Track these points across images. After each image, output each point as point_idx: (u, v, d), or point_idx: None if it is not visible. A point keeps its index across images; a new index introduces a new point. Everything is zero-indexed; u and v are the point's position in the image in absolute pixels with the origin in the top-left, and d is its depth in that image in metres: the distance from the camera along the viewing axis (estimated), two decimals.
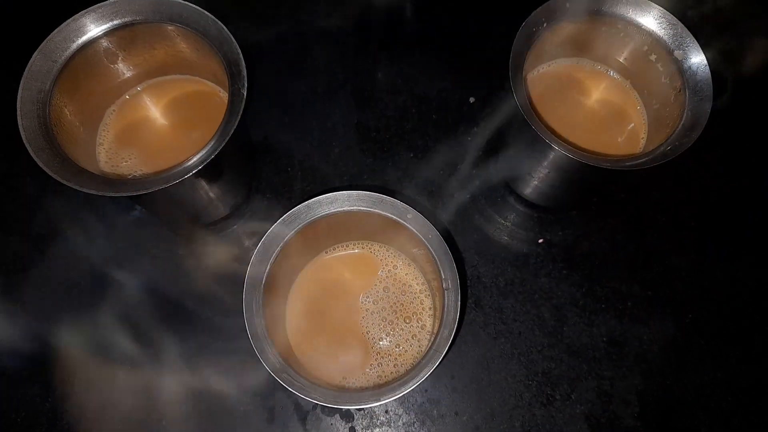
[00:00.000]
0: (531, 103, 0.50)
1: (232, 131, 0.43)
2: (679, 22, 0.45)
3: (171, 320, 0.52)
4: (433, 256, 0.42)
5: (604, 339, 0.53)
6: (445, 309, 0.41)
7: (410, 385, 0.38)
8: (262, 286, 0.41)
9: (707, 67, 0.44)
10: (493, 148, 0.58)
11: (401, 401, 0.50)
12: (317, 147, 0.58)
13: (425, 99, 0.60)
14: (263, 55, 0.61)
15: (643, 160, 0.43)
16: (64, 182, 0.40)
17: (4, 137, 0.58)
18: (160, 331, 0.52)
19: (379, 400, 0.38)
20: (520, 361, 0.52)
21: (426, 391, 0.51)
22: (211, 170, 0.45)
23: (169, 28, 0.46)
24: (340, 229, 0.47)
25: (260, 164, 0.57)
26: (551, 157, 0.47)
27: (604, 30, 0.48)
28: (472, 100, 0.60)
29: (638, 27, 0.46)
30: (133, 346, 0.51)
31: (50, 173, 0.40)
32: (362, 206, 0.43)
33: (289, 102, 0.60)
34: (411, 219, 0.43)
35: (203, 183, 0.48)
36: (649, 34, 0.46)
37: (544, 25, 0.46)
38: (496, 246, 0.55)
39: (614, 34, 0.48)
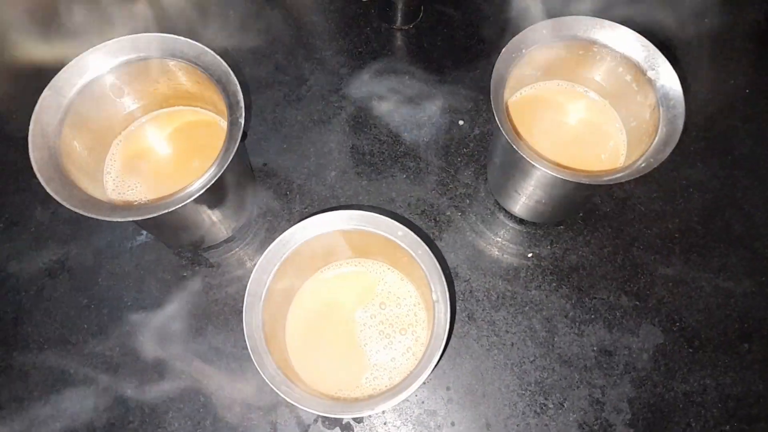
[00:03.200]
0: (514, 125, 0.53)
1: (231, 158, 0.45)
2: (651, 44, 0.48)
3: (175, 338, 0.54)
4: (424, 271, 0.44)
5: (595, 348, 0.54)
6: (435, 321, 0.43)
7: (404, 394, 0.40)
8: (262, 303, 0.44)
9: (679, 85, 0.47)
10: (482, 167, 0.61)
11: (399, 413, 0.52)
12: (314, 171, 0.61)
13: (416, 123, 0.63)
14: (262, 87, 0.64)
15: (621, 174, 0.45)
16: (74, 209, 0.43)
17: (16, 170, 0.61)
18: (165, 349, 0.54)
19: (374, 409, 0.40)
20: (513, 372, 0.54)
21: (422, 402, 0.53)
22: (212, 195, 0.47)
23: (172, 63, 0.49)
24: (336, 247, 0.49)
25: (260, 189, 0.60)
26: (535, 175, 0.49)
27: (581, 53, 0.50)
28: (461, 122, 0.63)
29: (612, 50, 0.49)
30: (138, 364, 0.54)
31: (60, 200, 0.43)
32: (355, 225, 0.46)
33: (287, 129, 0.63)
34: (402, 236, 0.45)
35: (205, 207, 0.50)
36: (623, 56, 0.49)
37: (523, 51, 0.48)
38: (488, 261, 0.58)
39: (590, 57, 0.50)
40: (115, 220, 0.43)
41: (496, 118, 0.46)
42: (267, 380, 0.41)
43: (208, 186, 0.44)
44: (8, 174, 0.61)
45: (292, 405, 0.51)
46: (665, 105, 0.47)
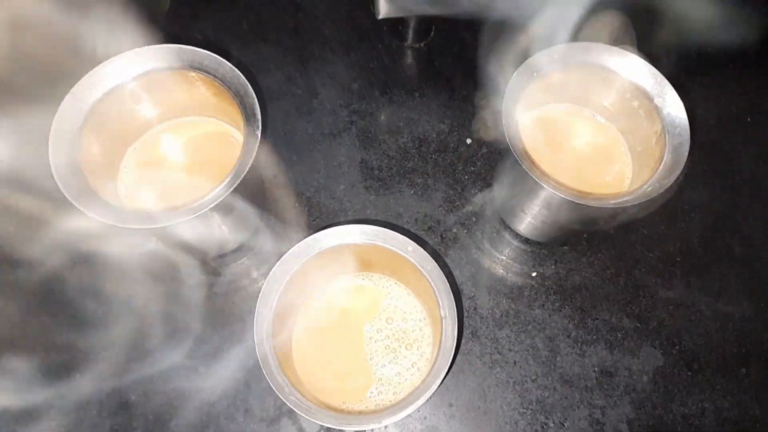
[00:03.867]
0: (523, 145, 0.54)
1: (247, 169, 0.46)
2: (658, 72, 0.49)
3: (182, 347, 0.55)
4: (432, 287, 0.45)
5: (596, 369, 0.55)
6: (443, 337, 0.43)
7: (409, 409, 0.41)
8: (272, 312, 0.44)
9: (684, 113, 0.48)
10: (489, 186, 0.62)
11: (401, 428, 0.53)
12: (324, 184, 0.62)
13: (425, 140, 0.64)
14: (274, 99, 0.65)
15: (627, 198, 0.46)
16: (91, 215, 0.43)
17: (33, 174, 0.61)
18: (172, 357, 0.54)
19: (379, 423, 0.41)
20: (515, 390, 0.54)
21: (425, 418, 0.53)
22: (224, 206, 0.48)
23: (190, 74, 0.50)
24: (346, 260, 0.50)
25: (270, 200, 0.61)
26: (542, 195, 0.50)
27: (590, 78, 0.52)
28: (469, 141, 0.64)
29: (620, 76, 0.50)
30: (143, 370, 0.54)
31: (78, 206, 0.43)
32: (366, 239, 0.46)
33: (297, 142, 0.64)
34: (411, 252, 0.46)
35: (217, 217, 0.51)
36: (631, 82, 0.50)
37: (534, 74, 0.50)
38: (492, 278, 0.58)
39: (599, 82, 0.52)
40: (131, 227, 0.44)
41: (507, 138, 0.47)
42: (275, 388, 0.41)
43: (224, 197, 0.45)
44: (22, 175, 0.62)
45: (296, 416, 0.52)
46: (671, 132, 0.48)
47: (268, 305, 0.45)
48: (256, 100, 0.48)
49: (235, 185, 0.45)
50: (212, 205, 0.44)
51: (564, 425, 0.53)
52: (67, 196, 0.44)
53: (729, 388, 0.55)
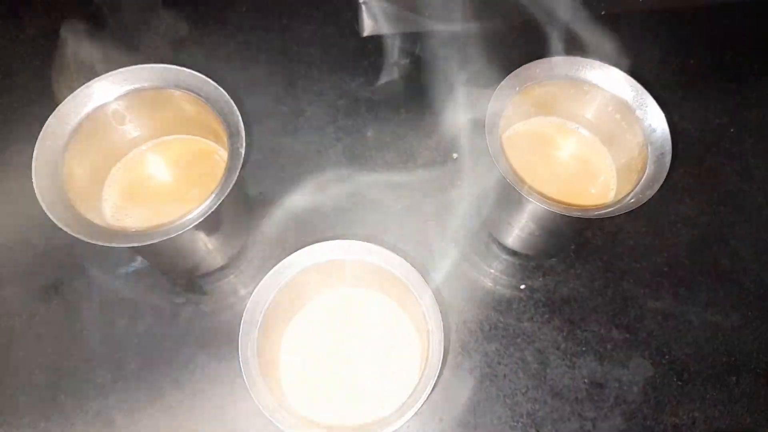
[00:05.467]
0: (507, 159, 0.54)
1: (231, 187, 0.46)
2: (638, 85, 0.49)
3: (168, 366, 0.54)
4: (418, 301, 0.45)
5: (586, 381, 0.55)
6: (430, 350, 0.43)
7: (397, 423, 0.40)
8: (257, 329, 0.44)
9: (666, 125, 0.48)
10: (476, 200, 0.62)
11: None
12: (310, 201, 0.62)
13: (411, 156, 0.64)
14: (261, 118, 0.66)
15: (611, 209, 0.46)
16: (75, 235, 0.43)
17: (15, 194, 0.61)
18: (157, 376, 0.54)
19: None
20: (505, 404, 0.54)
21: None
22: (210, 223, 0.48)
23: (175, 93, 0.50)
24: (333, 275, 0.50)
25: (256, 218, 0.61)
26: (528, 208, 0.50)
27: (573, 92, 0.52)
28: (455, 156, 0.64)
29: (602, 89, 0.51)
30: (131, 391, 0.53)
31: (61, 226, 0.43)
32: (352, 255, 0.46)
33: (283, 159, 0.64)
34: (397, 266, 0.46)
35: (202, 235, 0.51)
36: (612, 95, 0.50)
37: (517, 88, 0.50)
38: (481, 292, 0.58)
39: (582, 96, 0.52)
40: (116, 246, 0.43)
41: (491, 153, 0.47)
42: (261, 407, 0.41)
43: (208, 214, 0.45)
44: (5, 198, 0.62)
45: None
46: (653, 143, 0.49)
47: (254, 321, 0.44)
48: (239, 117, 0.48)
49: (219, 202, 0.45)
50: (196, 223, 0.44)
51: None
52: (51, 217, 0.44)
53: (719, 398, 0.54)
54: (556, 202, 0.47)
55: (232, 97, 0.49)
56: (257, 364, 0.43)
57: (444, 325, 0.43)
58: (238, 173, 0.47)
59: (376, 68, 0.69)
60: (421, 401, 0.41)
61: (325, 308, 0.52)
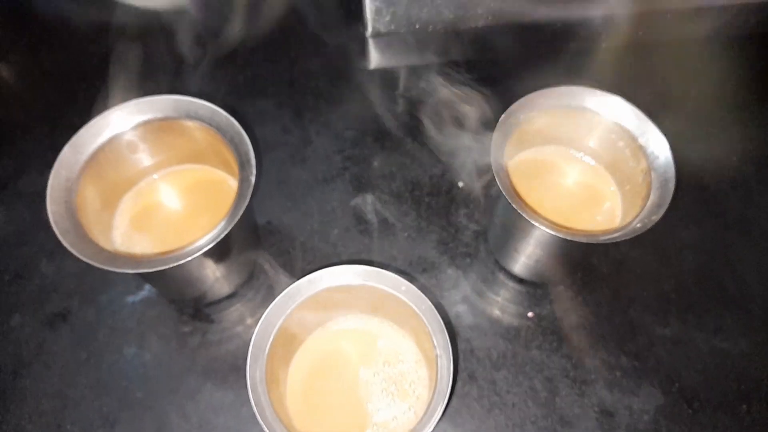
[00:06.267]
0: (513, 186, 0.55)
1: (241, 214, 0.47)
2: (640, 112, 0.50)
3: (174, 395, 0.54)
4: (426, 325, 0.45)
5: (596, 409, 0.54)
6: (438, 375, 0.43)
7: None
8: (265, 355, 0.44)
9: (669, 151, 0.49)
10: (482, 228, 0.62)
11: None
12: (317, 229, 0.62)
13: (417, 184, 0.65)
14: (269, 149, 0.67)
15: (617, 234, 0.47)
16: (88, 261, 0.44)
17: (24, 224, 0.62)
18: (163, 405, 0.53)
19: None
20: None
21: None
22: (218, 250, 0.48)
23: (187, 123, 0.51)
24: (340, 303, 0.50)
25: (264, 246, 0.61)
26: (535, 234, 0.51)
27: (576, 120, 0.53)
28: (461, 184, 0.65)
29: (603, 117, 0.52)
30: (137, 421, 0.53)
31: (76, 253, 0.44)
32: (359, 280, 0.47)
33: (291, 188, 0.65)
34: (405, 291, 0.46)
35: (211, 263, 0.51)
36: (615, 123, 0.51)
37: (521, 117, 0.51)
38: (488, 320, 0.58)
39: (585, 124, 0.53)
40: (126, 271, 0.44)
41: (497, 180, 0.48)
42: None
43: (218, 240, 0.45)
44: (17, 227, 0.62)
45: None
46: (656, 170, 0.49)
47: (262, 347, 0.44)
48: (250, 146, 0.49)
49: (229, 229, 0.46)
50: (205, 250, 0.45)
51: None
52: (64, 243, 0.44)
53: (731, 426, 0.54)
54: (562, 228, 0.48)
55: (242, 128, 0.50)
56: (265, 390, 0.43)
57: (453, 349, 0.43)
58: (247, 202, 0.47)
59: (383, 100, 0.70)
60: (431, 427, 0.41)
61: (333, 336, 0.52)
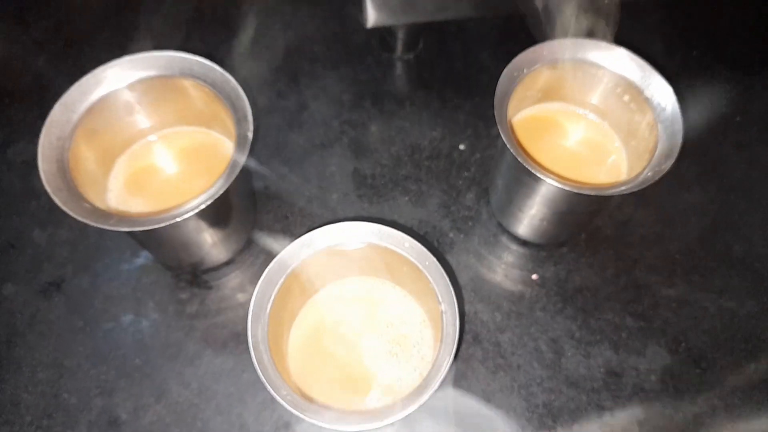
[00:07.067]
0: (518, 141, 0.54)
1: (237, 172, 0.45)
2: (645, 63, 0.49)
3: (173, 362, 0.53)
4: (431, 282, 0.44)
5: (602, 370, 0.54)
6: (444, 331, 0.42)
7: (412, 407, 0.39)
8: (267, 315, 0.43)
9: (676, 101, 0.48)
10: (484, 190, 0.61)
11: None
12: (316, 194, 0.61)
13: (417, 148, 0.64)
14: (264, 112, 0.65)
15: (624, 187, 0.46)
16: (80, 219, 0.42)
17: (15, 193, 0.61)
18: (162, 372, 0.52)
19: (381, 421, 0.39)
20: (520, 394, 0.52)
21: (429, 429, 0.51)
22: (215, 211, 0.47)
23: (182, 81, 0.49)
24: (340, 263, 0.49)
25: (261, 212, 0.60)
26: (540, 190, 0.49)
27: (578, 75, 0.52)
28: (461, 147, 0.64)
29: (608, 70, 0.50)
30: (134, 388, 0.52)
31: (67, 210, 0.42)
32: (361, 238, 0.45)
33: (288, 153, 0.63)
34: (408, 248, 0.45)
35: (207, 225, 0.50)
36: (620, 76, 0.50)
37: (524, 70, 0.50)
38: (491, 283, 0.57)
39: (589, 78, 0.52)
40: (121, 230, 0.43)
41: (501, 133, 0.46)
42: (272, 390, 0.40)
43: (215, 197, 0.44)
44: (7, 197, 0.61)
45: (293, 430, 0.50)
46: (663, 122, 0.48)
47: (263, 308, 0.43)
48: (247, 101, 0.47)
49: (226, 187, 0.44)
50: (201, 208, 0.43)
51: (572, 428, 0.51)
52: (56, 200, 0.43)
53: (739, 385, 0.53)
54: (568, 181, 0.46)
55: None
56: (268, 350, 0.42)
57: (459, 304, 0.42)
58: (245, 159, 0.46)
59: (381, 63, 0.69)
60: (437, 383, 0.40)
61: (336, 299, 0.51)
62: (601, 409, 0.52)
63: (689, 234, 0.60)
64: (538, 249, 0.59)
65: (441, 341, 0.42)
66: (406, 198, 0.61)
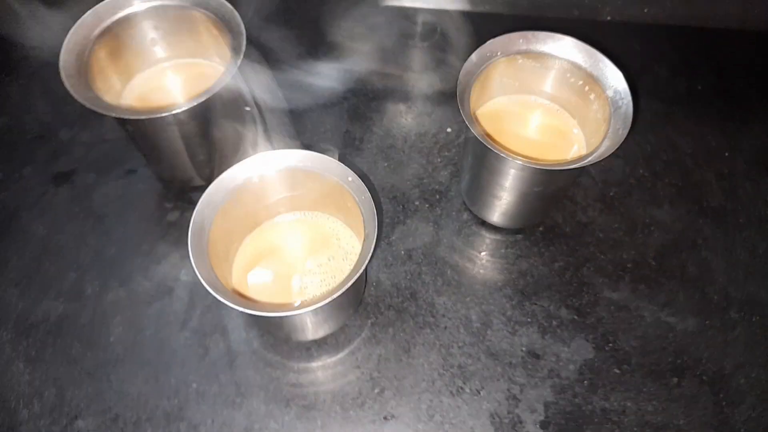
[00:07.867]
0: (483, 128, 0.58)
1: (236, 67, 0.52)
2: (594, 50, 0.53)
3: (142, 258, 0.60)
4: (362, 214, 0.48)
5: (524, 349, 0.56)
6: (365, 244, 0.46)
7: (331, 297, 0.43)
8: (208, 231, 0.48)
9: (622, 78, 0.51)
10: (458, 171, 0.65)
11: (333, 370, 0.54)
12: (305, 143, 0.66)
13: (408, 124, 0.69)
14: (281, 69, 0.72)
15: (581, 163, 0.48)
16: (82, 102, 0.50)
17: (56, 96, 0.70)
18: (131, 264, 0.59)
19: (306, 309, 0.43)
20: (439, 352, 0.55)
21: (358, 367, 0.55)
22: (204, 122, 0.53)
23: (195, 14, 0.57)
24: (287, 191, 0.53)
25: (248, 132, 0.64)
26: (502, 170, 0.53)
27: (532, 65, 0.56)
28: (449, 129, 0.68)
29: (560, 59, 0.54)
30: (105, 272, 0.59)
31: (73, 93, 0.50)
32: (305, 164, 0.50)
33: (291, 105, 0.69)
34: (350, 182, 0.49)
35: (196, 133, 0.55)
36: (571, 63, 0.54)
37: (483, 65, 0.54)
38: (442, 251, 0.61)
39: (541, 68, 0.56)
40: (112, 115, 0.49)
41: (464, 117, 0.50)
42: (201, 279, 0.45)
43: (212, 94, 0.50)
44: (49, 97, 0.70)
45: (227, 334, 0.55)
46: (614, 101, 0.51)
47: (206, 221, 0.48)
48: (242, 26, 0.54)
49: (224, 84, 0.50)
50: (193, 105, 0.50)
51: (479, 393, 0.53)
52: (66, 83, 0.50)
53: (657, 394, 0.54)
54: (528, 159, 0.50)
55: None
56: (207, 258, 0.47)
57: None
58: (240, 59, 0.52)
59: (393, 44, 0.75)
60: (358, 272, 0.44)
61: (279, 228, 0.56)
62: (512, 382, 0.54)
63: (647, 246, 0.61)
64: (495, 231, 0.62)
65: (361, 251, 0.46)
66: (386, 164, 0.66)
